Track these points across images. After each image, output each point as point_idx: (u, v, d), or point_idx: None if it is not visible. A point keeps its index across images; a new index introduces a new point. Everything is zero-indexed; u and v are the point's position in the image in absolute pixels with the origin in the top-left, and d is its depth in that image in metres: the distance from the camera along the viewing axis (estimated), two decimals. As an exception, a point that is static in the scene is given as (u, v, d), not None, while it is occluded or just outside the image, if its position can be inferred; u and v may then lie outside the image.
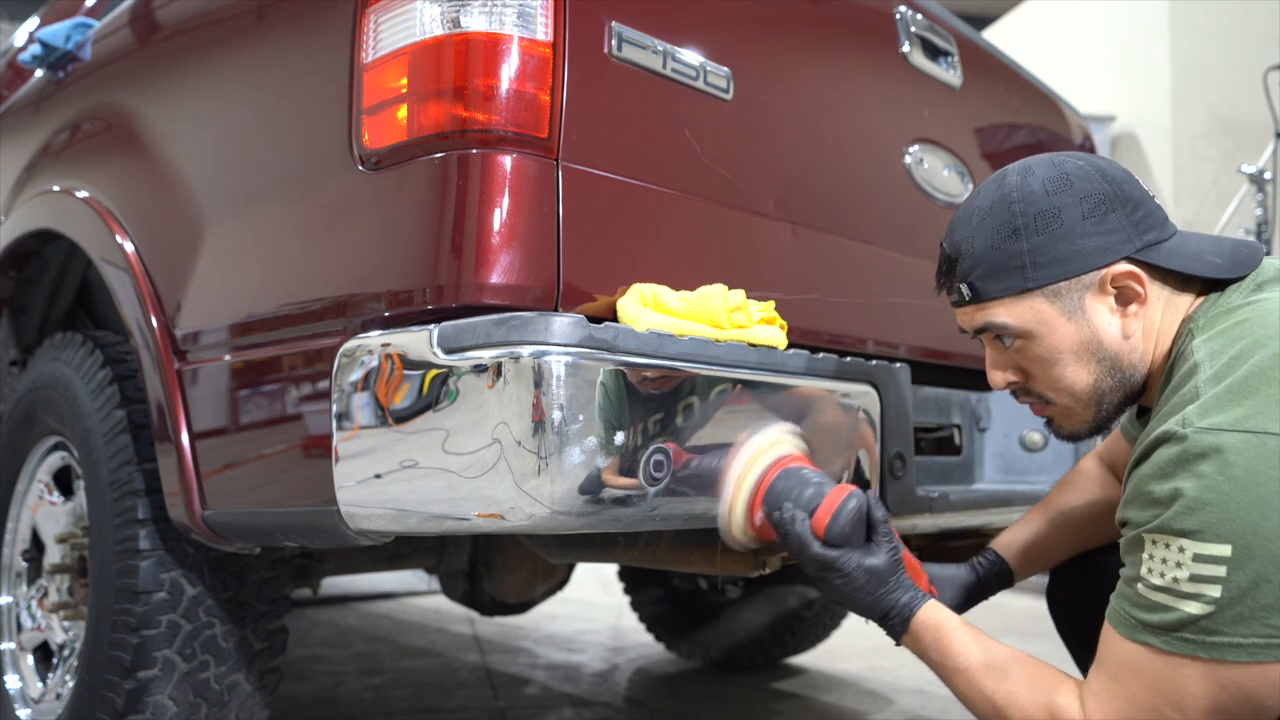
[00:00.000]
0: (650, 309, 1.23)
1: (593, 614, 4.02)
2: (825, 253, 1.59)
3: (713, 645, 3.00)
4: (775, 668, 3.06)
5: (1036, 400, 1.16)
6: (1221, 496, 0.89)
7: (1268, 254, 1.11)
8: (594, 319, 1.12)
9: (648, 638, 3.21)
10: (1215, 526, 0.89)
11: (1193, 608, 0.90)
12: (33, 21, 2.45)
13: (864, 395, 1.40)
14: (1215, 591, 0.89)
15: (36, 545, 1.87)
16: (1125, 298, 1.08)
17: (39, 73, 2.07)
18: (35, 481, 1.87)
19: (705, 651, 3.04)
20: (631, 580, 3.13)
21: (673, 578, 3.00)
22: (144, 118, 1.68)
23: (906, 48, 1.76)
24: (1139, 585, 0.95)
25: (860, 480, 1.41)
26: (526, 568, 2.57)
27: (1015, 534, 1.43)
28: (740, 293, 1.27)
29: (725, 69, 1.41)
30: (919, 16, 1.80)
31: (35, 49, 1.96)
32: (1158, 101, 6.01)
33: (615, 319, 1.21)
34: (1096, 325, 1.08)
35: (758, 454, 1.21)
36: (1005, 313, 1.10)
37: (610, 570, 3.89)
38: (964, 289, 1.12)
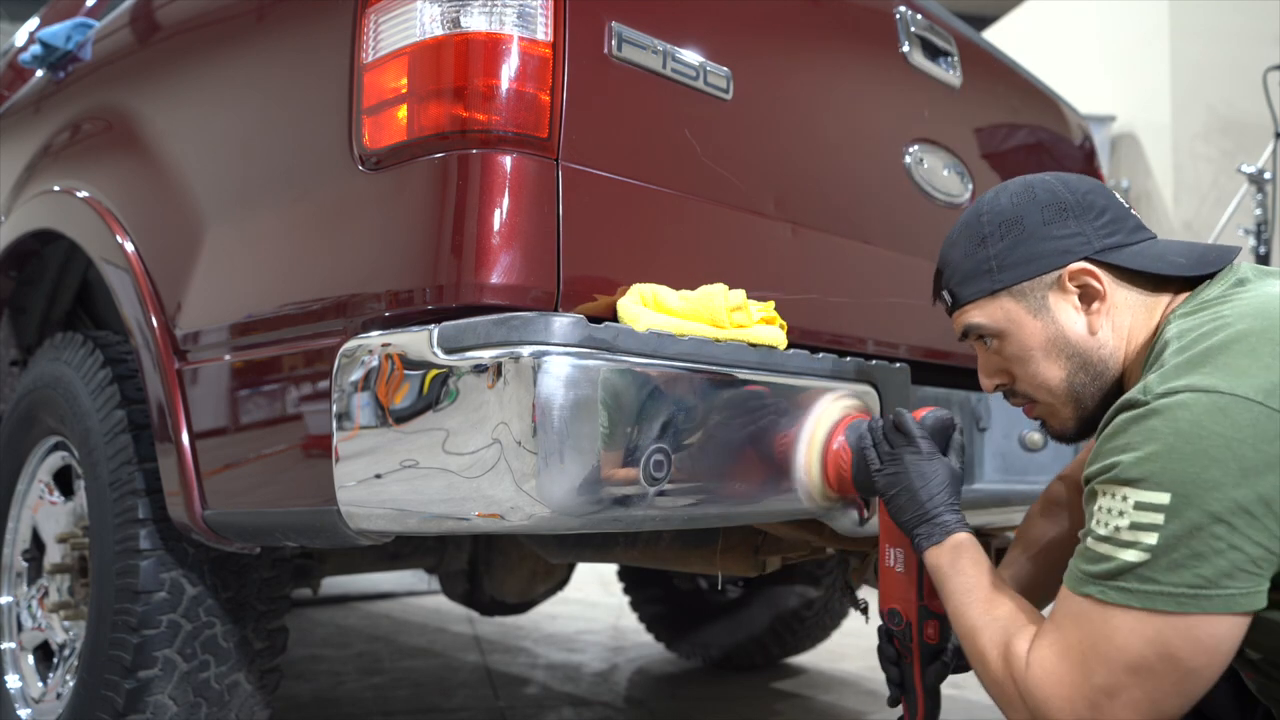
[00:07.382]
0: (650, 309, 1.23)
1: (593, 614, 4.02)
2: (825, 253, 1.59)
3: (713, 645, 3.00)
4: (775, 668, 3.06)
5: (1024, 400, 1.23)
6: (1165, 448, 0.94)
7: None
8: (594, 319, 1.12)
9: (648, 638, 3.21)
10: (1157, 475, 0.93)
11: (1130, 555, 0.94)
12: (33, 21, 2.45)
13: (864, 395, 1.40)
14: (1152, 539, 0.93)
15: (37, 545, 1.87)
16: (1088, 295, 1.16)
17: (39, 73, 2.07)
18: (35, 481, 1.87)
19: (705, 651, 3.04)
20: (631, 580, 3.14)
21: (673, 578, 3.00)
22: (144, 118, 1.68)
23: (906, 48, 1.76)
24: (1088, 540, 1.00)
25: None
26: (526, 568, 2.57)
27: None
28: (740, 292, 1.27)
29: (725, 69, 1.41)
30: (919, 16, 1.80)
31: (36, 49, 1.96)
32: (1158, 101, 6.01)
33: (615, 319, 1.21)
34: (1061, 322, 1.16)
35: (821, 415, 1.29)
36: (979, 314, 1.20)
37: (610, 570, 3.89)
38: (946, 296, 1.24)
